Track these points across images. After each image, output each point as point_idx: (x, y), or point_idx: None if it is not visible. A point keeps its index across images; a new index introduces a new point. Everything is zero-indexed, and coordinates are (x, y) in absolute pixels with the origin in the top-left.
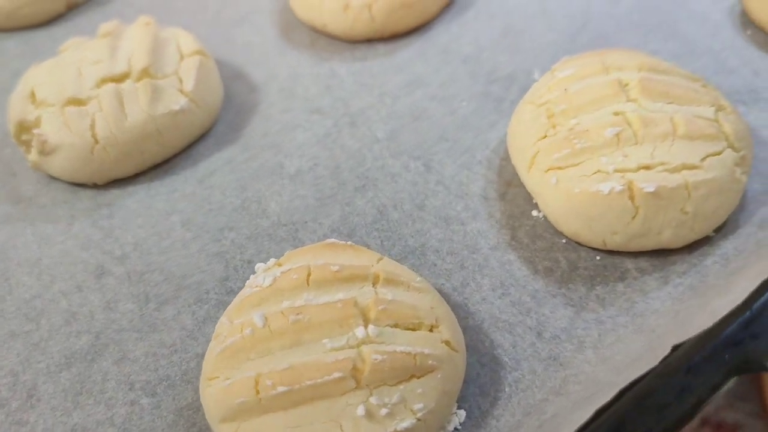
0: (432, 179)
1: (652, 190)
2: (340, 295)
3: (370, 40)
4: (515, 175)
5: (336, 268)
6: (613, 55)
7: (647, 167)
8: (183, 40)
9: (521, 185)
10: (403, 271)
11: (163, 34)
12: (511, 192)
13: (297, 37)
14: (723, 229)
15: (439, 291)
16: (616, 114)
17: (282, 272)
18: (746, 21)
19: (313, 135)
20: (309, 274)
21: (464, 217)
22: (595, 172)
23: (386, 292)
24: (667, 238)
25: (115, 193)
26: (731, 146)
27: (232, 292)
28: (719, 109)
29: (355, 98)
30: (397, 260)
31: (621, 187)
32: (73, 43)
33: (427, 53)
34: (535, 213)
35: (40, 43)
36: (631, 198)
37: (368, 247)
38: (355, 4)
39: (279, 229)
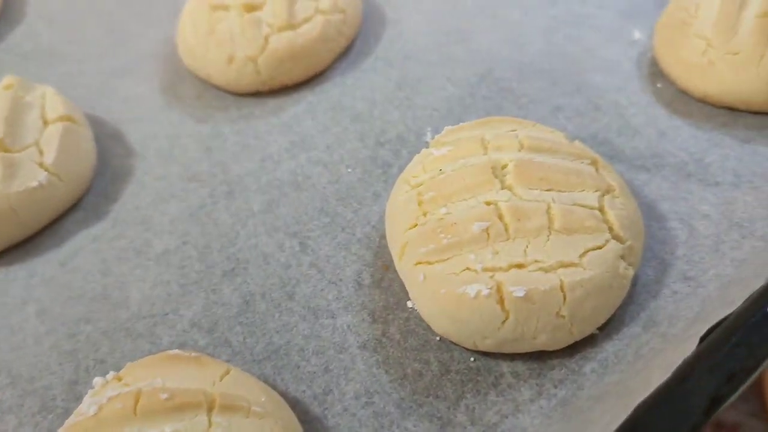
0: (306, 261)
1: (521, 294)
2: (167, 431)
3: (259, 93)
4: (392, 258)
5: (165, 396)
6: (496, 127)
7: (519, 266)
8: (49, 102)
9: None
10: (248, 391)
11: (28, 96)
12: (388, 278)
13: (184, 88)
14: (608, 327)
15: (299, 401)
16: (488, 204)
17: (108, 398)
18: (656, 71)
19: (187, 207)
20: (137, 402)
21: (335, 308)
22: (464, 270)
23: (221, 422)
24: (543, 342)
25: None
26: (616, 237)
27: (80, 399)
28: (606, 192)
29: (235, 163)
30: (259, 361)
31: (488, 291)
32: None
33: (317, 109)
34: (410, 304)
35: None
36: (500, 302)
37: (230, 344)
38: (239, 56)
39: (137, 323)
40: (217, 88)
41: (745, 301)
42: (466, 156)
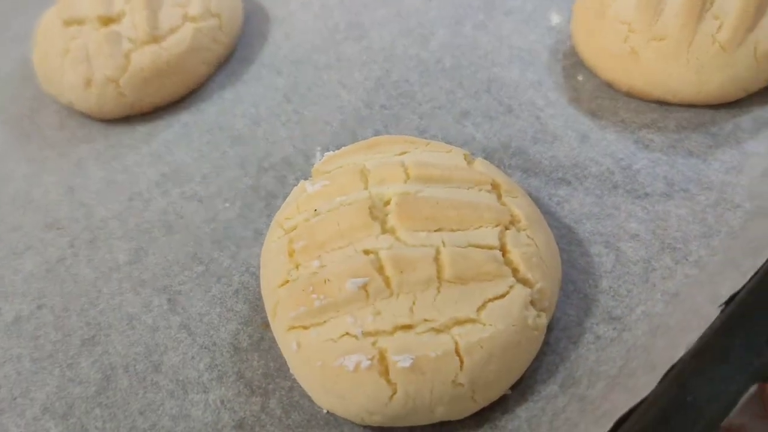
0: (175, 322)
1: (408, 364)
2: None
3: (129, 118)
4: None
5: None
6: (383, 151)
7: (406, 327)
8: None
9: None
10: None
11: None
12: (268, 338)
13: (45, 117)
14: (522, 384)
15: None
16: (367, 253)
17: None
18: (577, 62)
19: (44, 261)
20: None
21: (207, 380)
22: (342, 336)
23: None
24: (442, 414)
25: None
26: (522, 281)
27: None
28: (508, 226)
29: (100, 204)
30: None
31: (369, 362)
32: None
33: (192, 133)
34: (292, 371)
35: None
36: (384, 374)
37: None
38: (98, 77)
39: None
40: (82, 114)
41: (658, 384)
42: (344, 192)
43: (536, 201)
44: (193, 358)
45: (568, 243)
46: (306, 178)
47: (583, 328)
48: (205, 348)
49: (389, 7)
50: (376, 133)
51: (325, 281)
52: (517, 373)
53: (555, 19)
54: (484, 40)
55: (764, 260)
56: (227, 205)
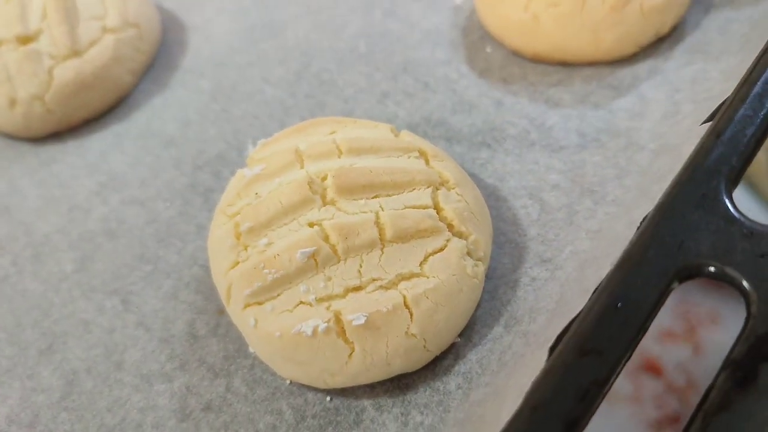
0: (131, 321)
1: (362, 322)
2: None
3: (58, 133)
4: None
5: None
6: (313, 133)
7: (356, 289)
8: None
9: None
10: None
11: None
12: (224, 323)
13: None
14: (469, 330)
15: None
16: (311, 225)
17: None
18: (484, 35)
19: None
20: None
21: (169, 370)
22: (297, 305)
23: None
24: (399, 366)
25: None
26: (457, 234)
27: None
28: (439, 186)
29: (39, 220)
30: None
31: (325, 325)
32: None
33: (125, 141)
34: (251, 349)
35: None
36: (341, 335)
37: None
38: (22, 97)
39: None
40: (7, 135)
41: (589, 300)
42: (280, 173)
43: (461, 165)
44: (153, 351)
45: (496, 200)
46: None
47: (519, 274)
48: (164, 341)
49: (299, 4)
50: (303, 120)
51: (275, 256)
52: (463, 320)
53: None
54: (394, 26)
55: (669, 183)
56: (167, 204)
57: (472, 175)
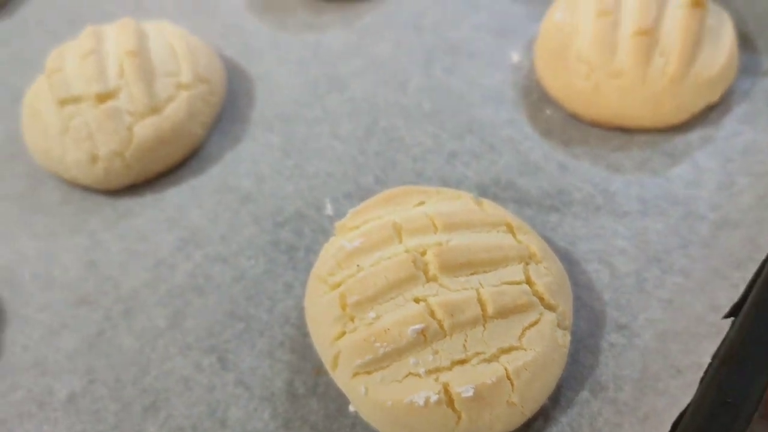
0: (230, 379)
1: (471, 394)
2: None
3: (134, 185)
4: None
5: None
6: (402, 203)
7: (462, 362)
8: None
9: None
10: None
11: None
12: (322, 382)
13: (44, 193)
14: (556, 393)
15: None
16: (417, 301)
17: None
18: (543, 97)
19: (82, 338)
20: None
21: (273, 428)
22: (407, 376)
23: None
24: (498, 429)
25: None
26: (548, 306)
27: None
28: (528, 261)
29: (125, 275)
30: None
31: (437, 396)
32: None
33: (201, 194)
34: (351, 408)
35: None
36: (450, 404)
37: None
38: (103, 153)
39: None
40: (84, 187)
41: (698, 393)
42: (381, 246)
43: (534, 228)
44: (255, 410)
45: (569, 263)
46: (322, 230)
47: (597, 338)
48: (265, 399)
49: (362, 58)
50: (377, 180)
51: (385, 330)
52: (554, 385)
53: (515, 57)
54: (455, 83)
55: (751, 273)
56: (252, 262)
57: (545, 238)
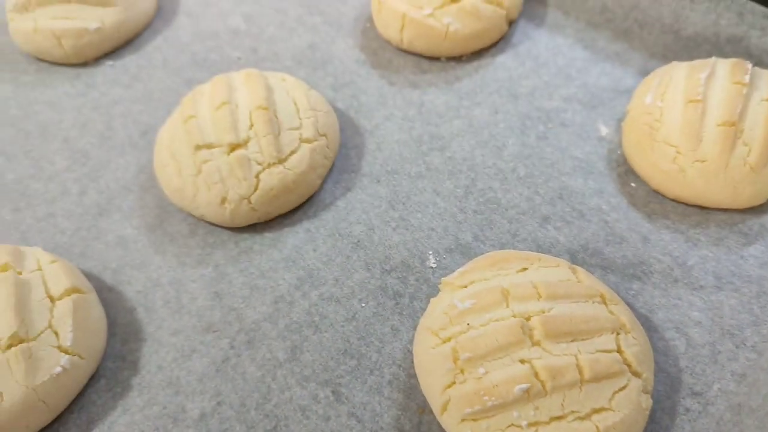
0: (343, 411)
1: None
2: None
3: (254, 225)
4: (426, 400)
5: None
6: (506, 267)
7: (559, 418)
8: (51, 278)
9: (433, 412)
10: None
11: (25, 272)
12: (425, 421)
13: (173, 225)
14: None
15: None
16: (523, 362)
17: None
18: (628, 170)
19: (211, 362)
20: None
21: None
22: (509, 426)
23: None
24: None
25: None
26: (634, 373)
27: None
28: (619, 331)
29: (248, 307)
30: None
31: None
32: None
33: (317, 238)
34: None
35: None
36: None
37: None
38: (232, 196)
39: None
40: (210, 223)
41: None
42: (490, 309)
43: (617, 293)
44: None
45: (647, 329)
46: (425, 279)
47: (673, 402)
48: None
49: (462, 119)
50: (475, 237)
51: (494, 386)
52: None
53: (603, 130)
54: (548, 151)
55: None
56: (363, 304)
57: (627, 304)
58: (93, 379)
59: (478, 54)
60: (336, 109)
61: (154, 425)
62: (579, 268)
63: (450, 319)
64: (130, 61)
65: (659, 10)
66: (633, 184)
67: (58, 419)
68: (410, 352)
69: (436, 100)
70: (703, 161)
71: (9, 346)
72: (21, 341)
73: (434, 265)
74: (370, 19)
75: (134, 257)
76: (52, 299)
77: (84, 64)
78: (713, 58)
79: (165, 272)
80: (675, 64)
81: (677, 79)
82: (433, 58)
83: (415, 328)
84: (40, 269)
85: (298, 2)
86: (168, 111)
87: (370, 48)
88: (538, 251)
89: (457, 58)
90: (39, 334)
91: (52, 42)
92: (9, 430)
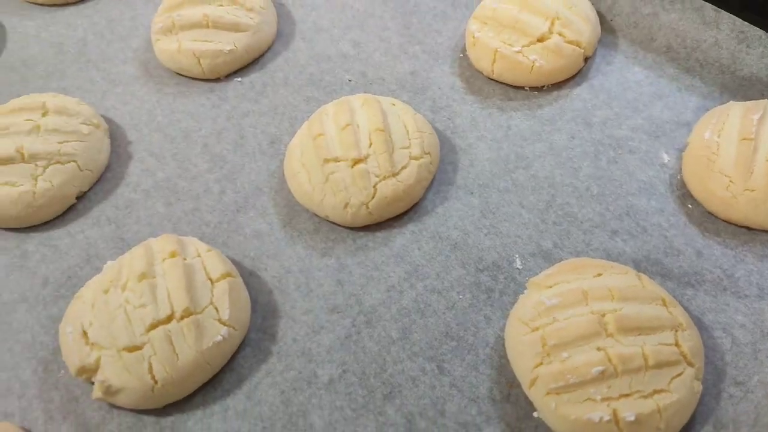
0: (446, 382)
1: (632, 419)
2: None
3: (368, 226)
4: (514, 376)
5: None
6: (584, 272)
7: (627, 396)
8: (210, 263)
9: (520, 386)
10: None
11: (188, 258)
12: (514, 394)
13: (301, 223)
14: (687, 426)
15: None
16: (599, 350)
17: None
18: (686, 193)
19: (336, 337)
20: None
21: (479, 422)
22: (586, 400)
23: None
24: None
25: (174, 416)
26: (689, 363)
27: None
28: (677, 329)
29: (366, 294)
30: None
31: (608, 417)
32: (110, 276)
33: (421, 240)
34: (536, 414)
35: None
36: (617, 424)
37: None
38: (353, 202)
39: None
40: (332, 222)
41: None
42: (572, 306)
43: (674, 297)
44: (465, 407)
45: (699, 329)
46: (513, 279)
47: (719, 389)
48: (472, 400)
49: (543, 142)
50: (555, 245)
51: (575, 368)
52: (687, 420)
53: (665, 157)
54: (617, 173)
55: None
56: (460, 296)
57: (683, 307)
58: (241, 347)
59: (558, 86)
60: (435, 129)
61: (291, 386)
62: (643, 275)
63: (539, 313)
64: (256, 78)
65: (718, 52)
66: (690, 206)
67: (216, 377)
68: (500, 337)
69: (521, 125)
70: (753, 190)
71: (182, 318)
72: (191, 314)
73: (520, 267)
74: (463, 50)
75: (269, 248)
76: (211, 281)
77: (217, 80)
78: (765, 101)
79: (295, 262)
80: (732, 104)
81: (733, 118)
82: (519, 88)
83: (504, 318)
84: (199, 256)
85: (399, 32)
86: (290, 124)
87: (464, 76)
88: (607, 259)
89: (539, 89)
90: (204, 309)
91: (192, 61)
92: (182, 384)
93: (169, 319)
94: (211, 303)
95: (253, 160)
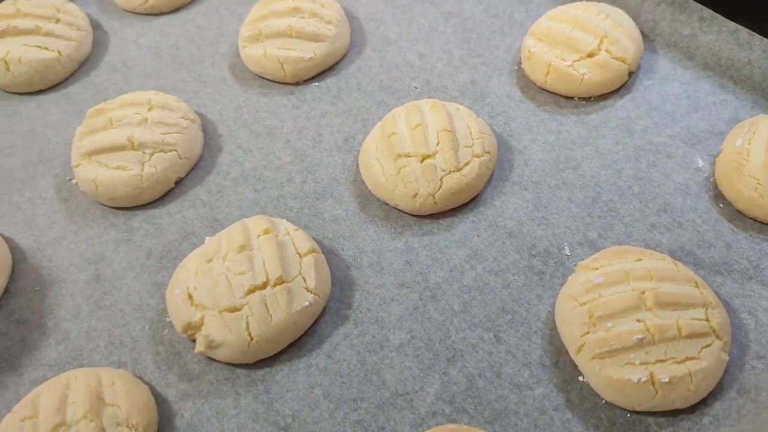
0: (502, 349)
1: (667, 380)
2: None
3: (433, 215)
4: (562, 346)
5: None
6: (627, 258)
7: (662, 361)
8: (297, 240)
9: (567, 354)
10: None
11: (279, 235)
12: (561, 360)
13: (373, 210)
14: (714, 390)
15: None
16: (639, 321)
17: None
18: (718, 194)
19: (405, 308)
20: None
21: (531, 383)
22: (626, 364)
23: None
24: (678, 405)
25: (264, 370)
26: (717, 336)
27: None
28: (707, 307)
29: (431, 273)
30: (489, 421)
31: (646, 378)
32: (212, 248)
33: (480, 228)
34: (581, 378)
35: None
36: (653, 384)
37: (467, 412)
38: (422, 193)
39: (397, 399)
40: (402, 211)
41: None
42: (616, 284)
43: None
44: (519, 371)
45: (727, 310)
46: (562, 263)
47: (743, 362)
48: (525, 365)
49: (590, 146)
50: (600, 236)
51: (618, 336)
52: (714, 385)
53: (700, 162)
54: (656, 175)
55: None
56: (515, 277)
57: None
58: (322, 313)
59: (604, 97)
60: (494, 132)
61: (366, 348)
62: (679, 263)
63: (586, 290)
64: (331, 83)
65: (750, 71)
66: (721, 205)
67: (300, 339)
68: (550, 313)
69: (571, 131)
70: None
71: (275, 285)
72: (283, 282)
73: (569, 254)
74: (518, 63)
75: (345, 231)
76: (299, 255)
77: (296, 84)
78: None
79: (368, 243)
80: (762, 116)
81: (763, 128)
82: (569, 98)
83: (554, 297)
84: (288, 234)
85: (460, 46)
86: (363, 124)
87: (519, 86)
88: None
89: (587, 99)
90: (294, 278)
91: (276, 66)
92: (273, 341)
93: (264, 285)
94: (300, 273)
95: (330, 155)
